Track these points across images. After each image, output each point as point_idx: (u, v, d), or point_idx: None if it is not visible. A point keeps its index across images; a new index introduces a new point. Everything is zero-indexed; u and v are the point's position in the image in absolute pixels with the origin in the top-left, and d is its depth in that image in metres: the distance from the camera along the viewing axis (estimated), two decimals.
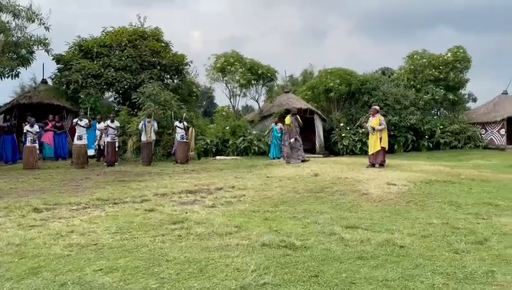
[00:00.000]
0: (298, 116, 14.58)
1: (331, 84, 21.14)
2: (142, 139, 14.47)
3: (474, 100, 28.40)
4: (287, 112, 19.07)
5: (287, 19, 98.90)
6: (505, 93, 24.74)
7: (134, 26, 19.61)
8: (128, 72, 17.95)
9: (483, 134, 22.99)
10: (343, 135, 20.59)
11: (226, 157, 16.90)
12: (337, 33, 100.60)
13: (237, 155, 17.64)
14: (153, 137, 14.50)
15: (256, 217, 5.80)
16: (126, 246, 4.38)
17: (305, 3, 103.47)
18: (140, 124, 14.55)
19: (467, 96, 25.44)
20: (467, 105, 27.01)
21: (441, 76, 22.74)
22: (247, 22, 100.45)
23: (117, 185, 8.97)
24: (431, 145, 21.43)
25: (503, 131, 22.72)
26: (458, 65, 22.99)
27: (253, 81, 20.95)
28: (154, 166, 13.44)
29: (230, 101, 21.77)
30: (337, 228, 5.04)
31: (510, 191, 7.90)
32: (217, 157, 17.08)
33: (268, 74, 21.07)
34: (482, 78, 59.53)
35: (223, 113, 20.65)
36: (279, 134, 16.94)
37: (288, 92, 23.14)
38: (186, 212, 6.02)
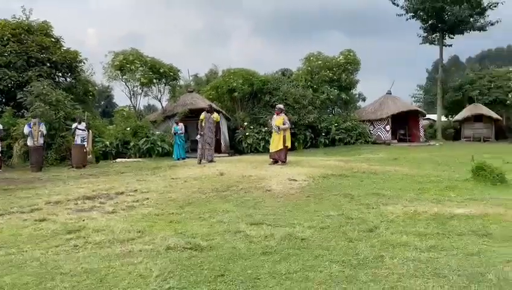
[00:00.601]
0: (216, 114, 14.20)
1: (234, 84, 21.47)
2: (28, 144, 13.13)
3: (364, 99, 31.02)
4: (191, 112, 18.91)
5: (189, 18, 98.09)
6: (389, 93, 27.41)
7: (19, 19, 17.78)
8: (13, 69, 16.23)
9: (372, 130, 25.25)
10: (247, 133, 21.04)
11: (128, 160, 16.17)
12: (239, 34, 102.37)
13: (140, 157, 16.99)
14: (41, 141, 13.16)
15: (161, 221, 5.64)
16: (13, 261, 3.96)
17: (206, 3, 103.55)
18: (25, 128, 13.15)
19: (357, 96, 27.73)
20: (357, 104, 29.41)
21: (335, 77, 24.43)
22: (146, 19, 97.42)
23: (1, 194, 8.06)
24: (327, 141, 22.93)
25: (388, 127, 25.19)
26: (349, 67, 24.92)
27: (154, 80, 20.32)
28: (46, 172, 12.34)
29: (131, 101, 20.89)
30: (242, 226, 5.12)
31: (395, 181, 8.76)
32: (118, 160, 16.25)
33: (171, 73, 20.62)
34: (370, 79, 65.38)
35: (123, 113, 19.74)
36: (182, 133, 16.69)
37: (192, 91, 22.92)
38: (84, 220, 5.63)
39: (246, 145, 20.87)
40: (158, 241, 4.50)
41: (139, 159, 16.37)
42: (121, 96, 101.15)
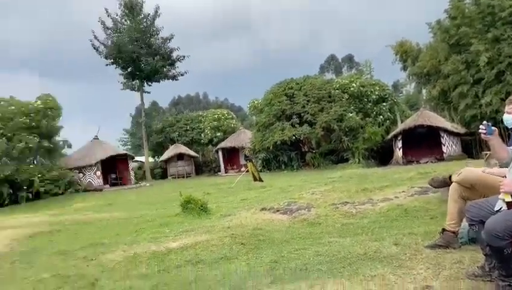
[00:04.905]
0: None
1: None
2: None
3: (70, 146, 29.26)
4: None
5: None
6: (96, 138, 27.06)
7: None
8: None
9: (82, 178, 24.15)
10: None
11: None
12: None
13: None
14: None
15: None
16: None
17: None
18: None
19: (62, 142, 25.89)
20: (63, 151, 27.47)
21: (33, 124, 22.15)
22: None
23: None
24: (31, 195, 20.34)
25: (99, 173, 24.70)
26: (50, 113, 23.17)
27: None
28: None
29: None
30: None
31: (111, 228, 8.62)
32: None
33: None
34: (75, 125, 62.84)
35: None
36: None
37: None
38: None
39: None
40: None
41: None
42: None
